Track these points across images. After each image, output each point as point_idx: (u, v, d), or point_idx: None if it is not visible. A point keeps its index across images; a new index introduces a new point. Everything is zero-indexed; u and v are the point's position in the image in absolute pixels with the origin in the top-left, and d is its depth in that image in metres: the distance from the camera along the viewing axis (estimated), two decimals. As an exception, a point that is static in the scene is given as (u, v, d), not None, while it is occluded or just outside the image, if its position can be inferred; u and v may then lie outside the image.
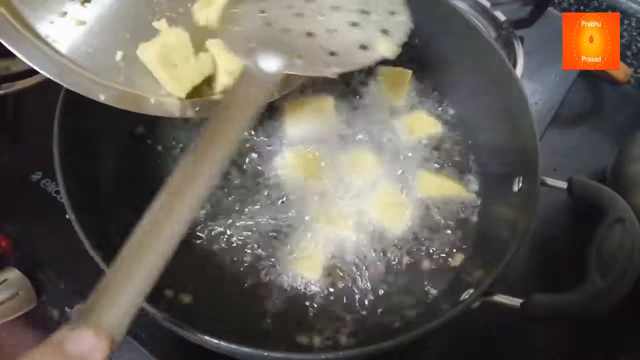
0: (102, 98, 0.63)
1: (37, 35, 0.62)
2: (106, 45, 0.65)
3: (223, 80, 0.68)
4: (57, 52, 0.63)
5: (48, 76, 0.61)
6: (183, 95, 0.66)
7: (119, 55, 0.65)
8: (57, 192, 0.78)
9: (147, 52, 0.65)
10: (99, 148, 0.74)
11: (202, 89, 0.69)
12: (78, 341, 0.33)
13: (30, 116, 0.88)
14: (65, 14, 0.64)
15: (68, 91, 0.64)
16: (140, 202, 0.72)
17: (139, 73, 0.66)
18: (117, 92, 0.64)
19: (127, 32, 0.66)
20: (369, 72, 0.89)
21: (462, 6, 1.05)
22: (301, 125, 0.81)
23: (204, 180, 0.47)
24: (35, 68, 0.61)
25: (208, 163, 0.48)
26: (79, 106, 0.65)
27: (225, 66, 0.67)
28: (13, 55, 0.69)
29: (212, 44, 0.68)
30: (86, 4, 0.65)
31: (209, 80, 0.69)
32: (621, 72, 1.08)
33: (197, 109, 0.68)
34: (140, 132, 0.79)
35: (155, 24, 0.66)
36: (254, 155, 0.79)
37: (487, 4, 1.06)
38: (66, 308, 0.74)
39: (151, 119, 0.71)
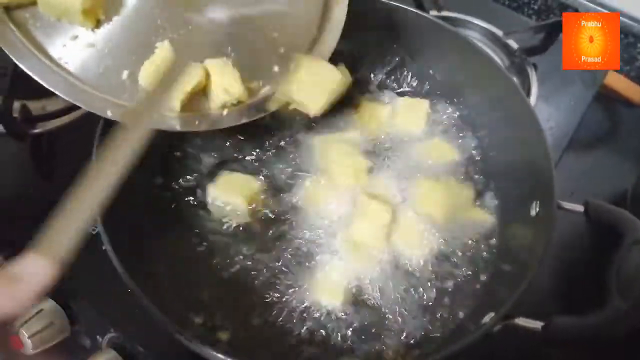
0: (109, 114, 0.68)
1: (50, 58, 0.68)
2: (113, 65, 0.70)
3: (220, 97, 0.73)
4: (68, 72, 0.68)
5: (61, 95, 0.67)
6: (178, 103, 0.71)
7: (125, 74, 0.71)
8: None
9: (142, 73, 0.70)
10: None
11: (201, 105, 0.74)
12: (24, 264, 0.39)
13: (64, 153, 0.92)
14: (76, 37, 0.70)
15: (104, 127, 0.70)
16: (174, 231, 0.76)
17: (142, 90, 0.71)
18: (122, 109, 0.69)
19: (133, 53, 0.71)
20: (388, 102, 0.91)
21: (475, 36, 1.08)
22: (328, 157, 0.83)
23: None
24: (49, 88, 0.66)
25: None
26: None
27: (223, 84, 0.73)
28: (48, 95, 0.74)
29: (211, 63, 0.73)
30: (95, 29, 0.70)
31: (206, 96, 0.75)
32: (637, 94, 1.09)
33: (196, 122, 0.73)
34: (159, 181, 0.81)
35: (158, 44, 0.71)
36: (276, 183, 0.81)
37: (500, 33, 1.08)
38: (98, 337, 0.76)
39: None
